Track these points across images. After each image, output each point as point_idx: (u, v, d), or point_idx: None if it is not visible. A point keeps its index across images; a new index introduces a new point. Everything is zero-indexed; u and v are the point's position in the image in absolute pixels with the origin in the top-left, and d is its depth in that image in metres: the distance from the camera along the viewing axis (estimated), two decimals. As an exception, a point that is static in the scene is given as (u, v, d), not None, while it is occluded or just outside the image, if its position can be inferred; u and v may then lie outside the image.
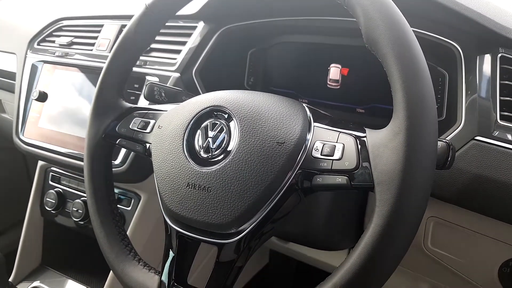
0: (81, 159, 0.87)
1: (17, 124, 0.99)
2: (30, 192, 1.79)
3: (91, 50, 0.94)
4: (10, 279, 1.03)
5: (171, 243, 0.53)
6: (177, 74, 0.81)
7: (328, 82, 0.79)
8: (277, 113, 0.49)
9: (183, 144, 0.52)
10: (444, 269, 0.71)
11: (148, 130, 0.59)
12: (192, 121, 0.53)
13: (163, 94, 0.73)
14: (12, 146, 1.68)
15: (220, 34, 0.82)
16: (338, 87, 0.79)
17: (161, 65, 0.84)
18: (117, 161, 0.82)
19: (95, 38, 0.95)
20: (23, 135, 0.97)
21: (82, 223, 0.96)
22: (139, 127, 0.60)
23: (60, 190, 1.01)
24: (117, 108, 0.63)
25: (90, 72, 0.92)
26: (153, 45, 0.86)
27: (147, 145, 0.58)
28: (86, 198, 0.95)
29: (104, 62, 0.89)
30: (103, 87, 0.63)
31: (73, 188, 0.99)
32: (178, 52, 0.84)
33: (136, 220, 0.89)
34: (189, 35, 0.84)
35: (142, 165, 0.82)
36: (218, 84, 0.80)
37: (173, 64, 0.83)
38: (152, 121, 0.60)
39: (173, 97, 0.71)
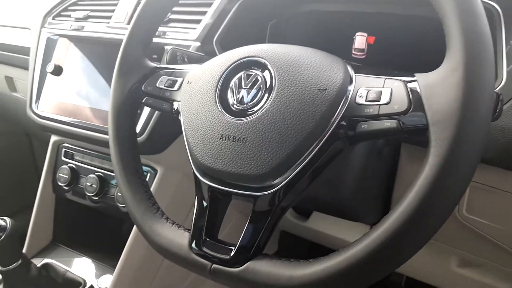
0: (96, 130, 0.86)
1: (31, 97, 0.97)
2: (37, 176, 1.80)
3: (108, 22, 0.92)
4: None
5: (202, 198, 0.51)
6: (198, 43, 0.80)
7: (353, 52, 0.78)
8: (315, 61, 0.47)
9: (215, 96, 0.51)
10: (480, 239, 0.69)
11: (175, 88, 0.58)
12: (224, 74, 0.51)
13: (186, 59, 0.71)
14: (16, 130, 1.68)
15: (241, 3, 0.81)
16: (364, 56, 0.77)
17: (181, 34, 0.82)
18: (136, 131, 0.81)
19: (112, 11, 0.93)
20: (37, 108, 0.96)
21: (96, 198, 0.94)
22: (166, 85, 0.59)
23: (73, 165, 0.99)
24: (143, 67, 0.62)
25: (106, 45, 0.90)
26: (172, 16, 0.85)
27: (175, 103, 0.57)
28: (100, 173, 0.95)
29: (122, 34, 0.89)
30: (128, 45, 0.62)
31: (87, 164, 0.98)
32: (198, 22, 0.82)
33: (155, 190, 0.87)
34: (209, 4, 0.83)
35: (162, 135, 0.81)
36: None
37: (193, 34, 0.81)
38: (179, 79, 0.58)
39: (197, 62, 0.70)
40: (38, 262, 0.96)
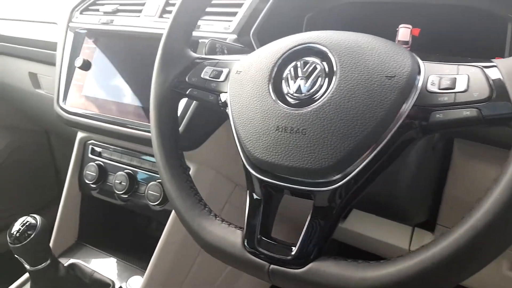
0: (127, 126, 0.84)
1: (58, 93, 0.95)
2: (55, 174, 1.78)
3: (139, 16, 0.90)
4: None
5: (254, 194, 0.48)
6: (234, 36, 0.77)
7: (397, 44, 0.74)
8: (380, 47, 0.44)
9: (269, 86, 0.48)
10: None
11: (221, 78, 0.55)
12: (278, 62, 0.48)
13: (225, 51, 0.69)
14: (35, 128, 1.66)
15: (278, -5, 0.78)
16: (408, 49, 0.74)
17: (216, 27, 0.80)
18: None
19: (142, 4, 0.91)
20: (65, 103, 0.94)
21: (125, 196, 0.92)
22: (211, 76, 0.56)
23: (101, 163, 0.97)
24: (185, 57, 0.59)
25: (137, 39, 0.88)
26: (207, 9, 0.82)
27: (222, 94, 0.54)
28: (129, 171, 0.92)
29: (153, 28, 0.87)
30: (170, 35, 0.59)
31: (115, 161, 0.95)
32: (233, 14, 0.79)
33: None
34: (245, -4, 0.80)
35: (197, 131, 0.78)
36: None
37: (228, 27, 0.78)
38: (225, 69, 0.55)
39: (238, 54, 0.67)
40: (64, 262, 0.93)
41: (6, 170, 1.60)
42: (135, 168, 0.92)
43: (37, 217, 0.75)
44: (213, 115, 0.78)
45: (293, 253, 0.44)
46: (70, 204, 1.00)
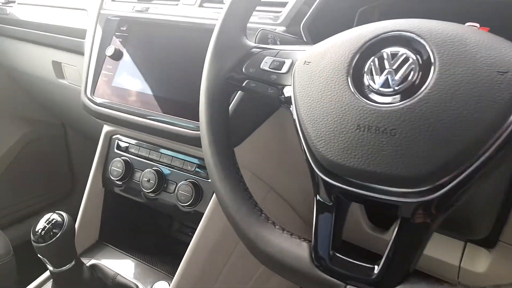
0: (161, 121, 0.78)
1: (86, 83, 0.90)
2: (70, 167, 1.73)
3: (177, 4, 0.84)
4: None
5: (325, 201, 0.42)
6: (282, 27, 0.71)
7: (464, 42, 0.68)
8: (484, 39, 0.38)
9: (347, 78, 0.42)
10: None
11: (284, 70, 0.49)
12: (359, 51, 0.42)
13: (278, 42, 0.63)
14: (52, 120, 1.61)
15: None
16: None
17: (263, 18, 0.74)
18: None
19: (181, -9, 0.86)
20: (93, 94, 0.88)
21: (153, 195, 0.86)
22: (271, 67, 0.50)
23: (127, 158, 0.91)
24: (242, 46, 0.53)
25: (174, 28, 0.82)
26: None
27: (286, 88, 0.48)
28: (158, 168, 0.87)
29: (192, 17, 0.81)
30: (226, 22, 0.53)
31: (143, 157, 0.90)
32: (283, 5, 0.74)
33: (215, 201, 0.78)
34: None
35: (238, 128, 0.72)
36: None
37: (277, 18, 0.73)
38: (287, 60, 0.50)
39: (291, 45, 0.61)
40: (86, 263, 0.88)
41: (20, 163, 1.55)
42: (165, 165, 0.87)
43: (64, 214, 0.69)
44: (258, 111, 0.72)
45: (375, 272, 0.38)
46: (93, 200, 0.95)
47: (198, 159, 0.83)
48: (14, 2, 1.24)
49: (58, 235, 0.67)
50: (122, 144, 0.93)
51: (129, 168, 0.90)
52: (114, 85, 0.86)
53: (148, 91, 0.82)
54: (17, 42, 1.26)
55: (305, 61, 0.46)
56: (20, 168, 1.56)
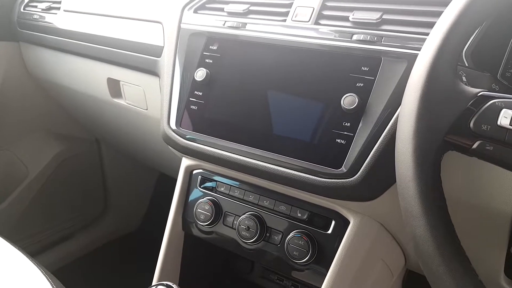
0: (270, 161, 0.65)
1: (169, 111, 0.76)
2: (103, 186, 1.59)
3: (284, 20, 0.71)
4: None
5: None
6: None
7: None
8: None
9: None
10: None
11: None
12: None
13: (463, 78, 0.50)
14: (85, 137, 1.48)
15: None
16: None
17: (404, 40, 0.61)
18: (343, 168, 0.60)
19: (286, 5, 0.72)
20: (180, 126, 0.75)
21: (252, 244, 0.73)
22: (517, 124, 0.37)
23: (216, 199, 0.78)
24: (462, 94, 0.40)
25: (282, 50, 0.69)
26: (391, 16, 0.64)
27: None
28: (259, 213, 0.74)
29: (306, 37, 0.68)
30: (439, 61, 0.40)
31: (236, 199, 0.76)
32: (430, 25, 0.61)
33: (343, 253, 0.66)
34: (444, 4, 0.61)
35: (382, 177, 0.59)
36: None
37: (421, 40, 0.60)
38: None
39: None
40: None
41: (54, 182, 1.42)
42: (265, 211, 0.74)
43: (175, 286, 0.56)
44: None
45: None
46: (173, 245, 0.82)
47: (312, 206, 0.70)
48: (59, 9, 1.10)
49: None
50: (208, 182, 0.80)
51: (219, 211, 0.77)
52: (207, 116, 0.73)
53: (252, 126, 0.69)
54: (59, 54, 1.12)
55: None
56: (54, 188, 1.42)
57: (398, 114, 0.56)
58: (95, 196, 1.61)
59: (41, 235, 1.42)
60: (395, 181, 0.60)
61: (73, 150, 1.47)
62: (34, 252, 1.38)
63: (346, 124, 0.61)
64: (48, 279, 0.84)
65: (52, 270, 1.09)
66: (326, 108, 0.63)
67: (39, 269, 0.85)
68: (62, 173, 1.45)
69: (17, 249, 0.86)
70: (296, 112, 0.66)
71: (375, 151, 0.58)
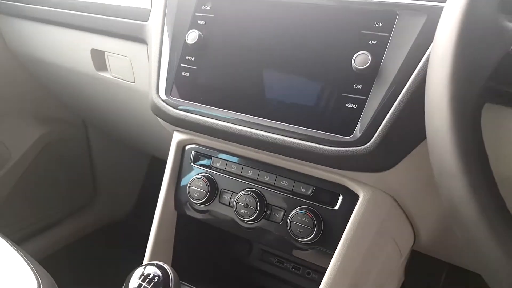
0: (264, 129, 0.59)
1: (158, 80, 0.69)
2: (91, 171, 1.52)
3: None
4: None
5: None
6: None
7: None
8: None
9: None
10: None
11: None
12: None
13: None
14: (72, 118, 1.40)
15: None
16: None
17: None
18: (355, 134, 0.54)
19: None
20: (170, 95, 0.68)
21: (250, 224, 0.67)
22: None
23: (211, 176, 0.72)
24: (506, 32, 0.34)
25: (282, 6, 0.62)
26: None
27: None
28: (258, 189, 0.67)
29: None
30: None
31: (233, 175, 0.70)
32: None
33: (352, 231, 0.60)
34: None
35: (399, 143, 0.53)
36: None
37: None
38: None
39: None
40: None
41: (37, 167, 1.34)
42: (265, 186, 0.67)
43: (166, 267, 0.50)
44: (422, 122, 0.53)
45: None
46: (164, 227, 0.75)
47: (317, 180, 0.63)
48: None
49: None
50: (202, 157, 0.73)
51: (214, 189, 0.71)
52: (200, 83, 0.66)
53: (250, 92, 0.62)
54: (39, 26, 1.03)
55: None
56: (38, 172, 1.34)
57: (417, 73, 0.51)
58: (84, 182, 1.53)
59: (26, 222, 1.35)
60: (413, 148, 0.54)
61: (58, 132, 1.39)
62: (19, 240, 1.31)
63: (357, 86, 0.54)
64: (30, 267, 0.77)
65: (39, 258, 1.02)
66: (335, 69, 0.56)
67: (21, 256, 0.79)
68: (48, 157, 1.37)
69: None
70: (300, 75, 0.59)
71: (391, 115, 0.51)
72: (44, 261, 0.82)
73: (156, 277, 0.48)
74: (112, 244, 1.53)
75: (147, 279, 0.48)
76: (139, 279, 0.48)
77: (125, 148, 1.52)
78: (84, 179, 1.52)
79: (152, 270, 0.49)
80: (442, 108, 0.33)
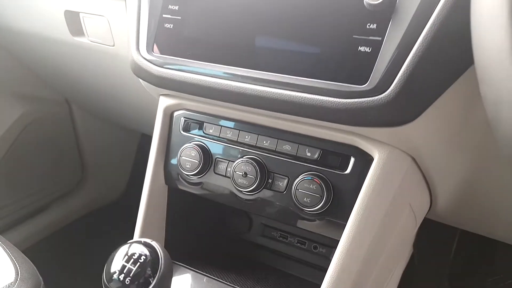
0: (262, 83, 0.51)
1: (138, 35, 0.61)
2: (78, 152, 1.43)
3: None
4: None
5: None
6: None
7: None
8: None
9: None
10: None
11: None
12: None
13: None
14: (55, 96, 1.31)
15: None
16: None
17: None
18: (370, 83, 0.46)
19: None
20: (152, 51, 0.59)
21: (250, 195, 0.60)
22: None
23: (203, 144, 0.64)
24: None
25: None
26: None
27: None
28: (258, 156, 0.60)
29: None
30: None
31: (229, 142, 0.62)
32: None
33: (366, 198, 0.52)
34: None
35: (423, 91, 0.45)
36: None
37: None
38: None
39: None
40: None
41: (19, 150, 1.25)
42: (266, 152, 0.60)
43: (155, 245, 0.42)
44: (446, 68, 0.45)
45: None
46: (154, 203, 0.68)
47: (324, 142, 0.56)
48: None
49: (154, 284, 0.40)
50: (193, 124, 0.65)
51: (208, 158, 0.63)
52: (186, 35, 0.57)
53: (245, 41, 0.54)
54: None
55: None
56: (19, 155, 1.25)
57: (443, 4, 0.43)
58: (71, 164, 1.45)
59: (9, 208, 1.27)
60: (439, 95, 0.46)
61: (40, 111, 1.29)
62: (0, 228, 1.23)
63: (371, 26, 0.46)
64: (8, 253, 0.70)
65: (24, 247, 0.94)
66: (343, 6, 0.48)
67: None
68: (30, 138, 1.28)
69: None
70: (302, 17, 0.51)
71: (412, 57, 0.44)
72: (29, 250, 0.75)
73: (143, 257, 0.41)
74: (105, 227, 1.46)
75: (132, 259, 0.41)
76: (122, 260, 0.41)
77: (113, 127, 1.44)
78: (71, 161, 1.44)
79: (138, 249, 0.42)
80: (500, 14, 0.26)
